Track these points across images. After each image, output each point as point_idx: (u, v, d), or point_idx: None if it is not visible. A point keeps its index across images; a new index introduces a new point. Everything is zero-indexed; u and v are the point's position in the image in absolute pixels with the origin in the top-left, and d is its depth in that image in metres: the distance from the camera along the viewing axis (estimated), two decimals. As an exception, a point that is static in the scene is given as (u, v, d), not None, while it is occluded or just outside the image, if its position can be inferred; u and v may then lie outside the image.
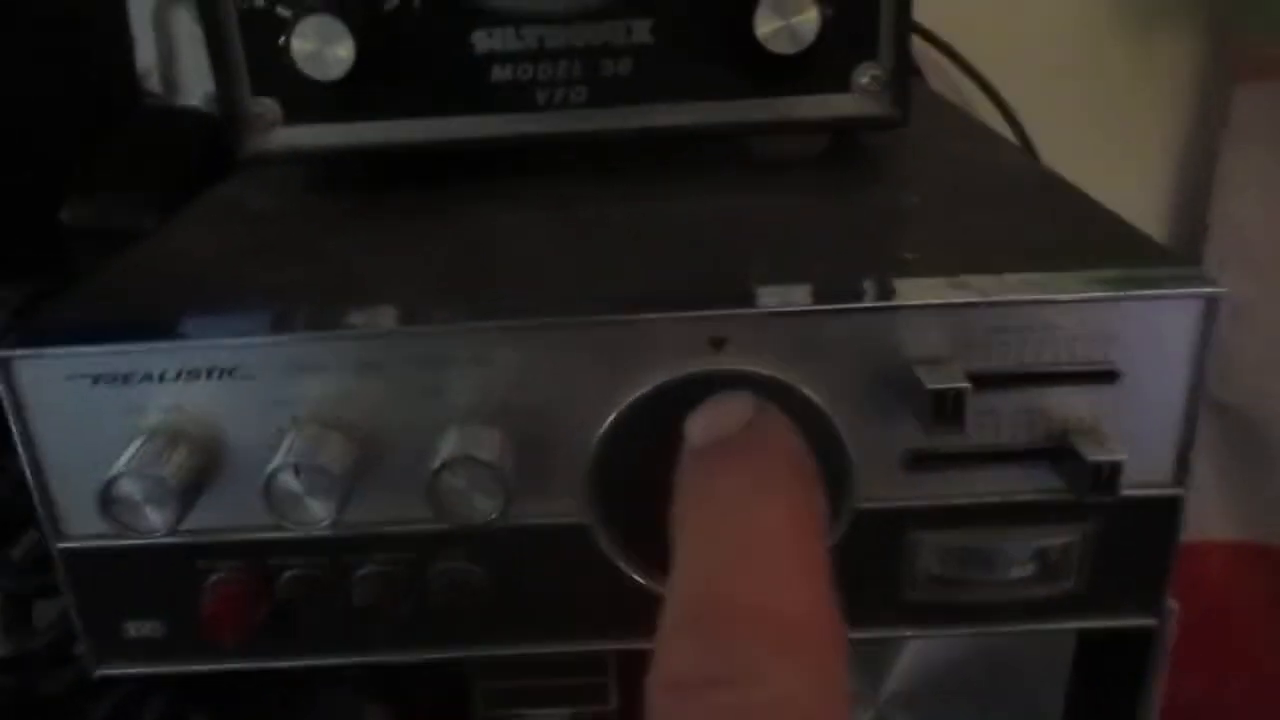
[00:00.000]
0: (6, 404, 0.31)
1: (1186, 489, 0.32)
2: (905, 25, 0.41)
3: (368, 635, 0.34)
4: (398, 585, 0.33)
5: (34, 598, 0.43)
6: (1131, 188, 0.80)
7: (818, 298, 0.31)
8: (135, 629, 0.34)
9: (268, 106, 0.42)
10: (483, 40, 0.41)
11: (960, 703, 0.42)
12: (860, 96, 0.42)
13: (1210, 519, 0.81)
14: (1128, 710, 0.37)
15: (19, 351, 0.31)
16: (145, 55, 0.80)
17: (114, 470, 0.30)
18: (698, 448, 0.25)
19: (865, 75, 0.42)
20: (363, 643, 0.35)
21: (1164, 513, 0.33)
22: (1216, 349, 0.31)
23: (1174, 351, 0.31)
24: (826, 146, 0.46)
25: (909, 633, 0.35)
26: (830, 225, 0.38)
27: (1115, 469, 0.30)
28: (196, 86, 0.79)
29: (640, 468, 0.31)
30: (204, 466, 0.31)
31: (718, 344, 0.31)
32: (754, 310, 0.30)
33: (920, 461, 0.32)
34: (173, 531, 0.30)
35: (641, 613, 0.33)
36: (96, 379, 0.31)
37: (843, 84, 0.42)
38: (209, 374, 0.31)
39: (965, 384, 0.29)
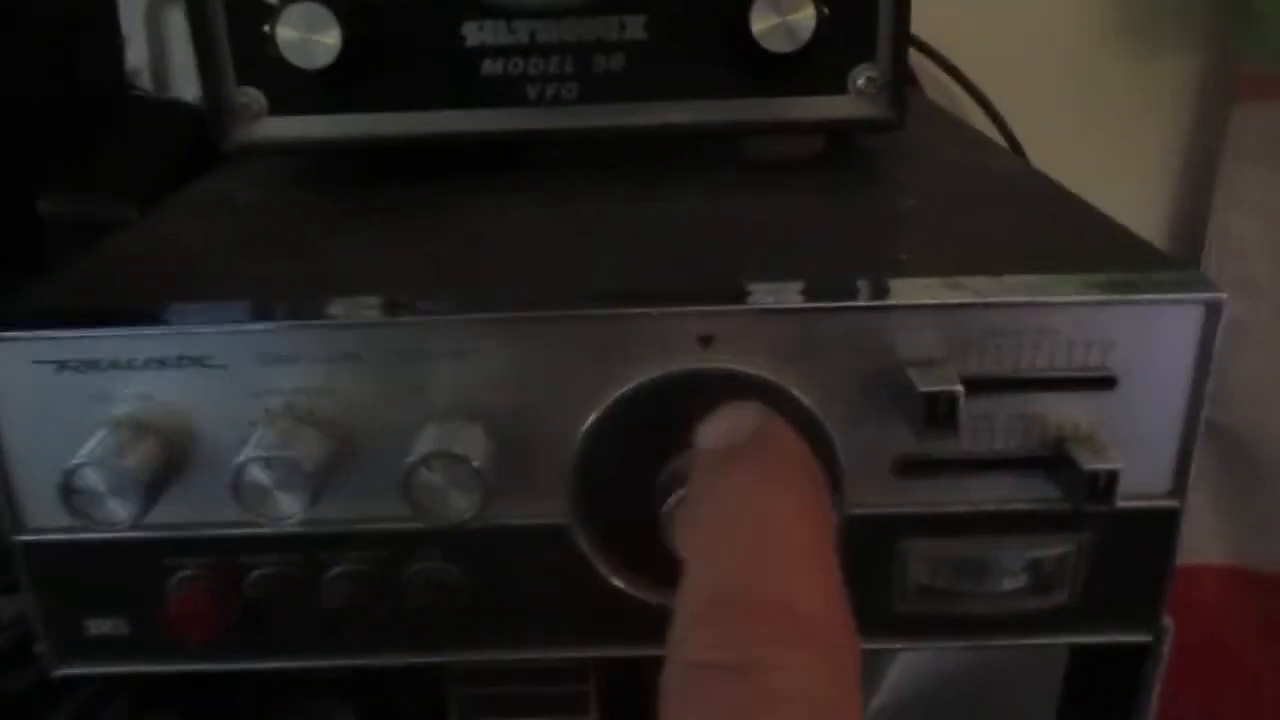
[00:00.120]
0: (-31, 389, 0.30)
1: (1185, 501, 0.31)
2: (904, 27, 0.40)
3: (340, 637, 0.33)
4: (372, 585, 0.32)
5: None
6: (1128, 204, 0.79)
7: (809, 296, 0.30)
8: (97, 627, 0.33)
9: (253, 96, 0.41)
10: (473, 33, 0.40)
11: (950, 716, 0.41)
12: (857, 98, 0.41)
13: (1203, 542, 0.81)
14: (1121, 728, 0.36)
15: (-18, 335, 0.30)
16: (137, 54, 0.80)
17: (77, 459, 0.29)
18: (707, 452, 0.25)
19: (862, 77, 0.41)
20: (335, 645, 0.33)
21: (1161, 525, 0.32)
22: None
23: (1174, 358, 0.30)
24: (821, 148, 0.45)
25: (898, 645, 0.34)
26: (823, 226, 0.38)
27: (1112, 479, 0.29)
28: (188, 85, 0.78)
29: (624, 468, 0.30)
30: (172, 458, 0.30)
31: (706, 341, 0.30)
32: (743, 307, 0.30)
33: (911, 467, 0.31)
34: (137, 525, 0.29)
35: (623, 619, 0.32)
36: (62, 365, 0.30)
37: (839, 85, 0.41)
38: (179, 362, 0.30)
39: (958, 387, 0.28)
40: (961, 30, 0.75)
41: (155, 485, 0.29)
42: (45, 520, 0.31)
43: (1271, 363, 0.73)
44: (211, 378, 0.30)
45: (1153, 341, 0.30)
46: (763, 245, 0.35)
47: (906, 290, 0.30)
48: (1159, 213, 0.82)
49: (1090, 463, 0.30)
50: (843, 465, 0.30)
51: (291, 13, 0.38)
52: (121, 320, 0.30)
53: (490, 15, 0.40)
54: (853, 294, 0.30)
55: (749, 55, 0.39)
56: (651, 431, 0.30)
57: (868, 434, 0.30)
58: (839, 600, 0.21)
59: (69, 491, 0.29)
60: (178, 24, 0.79)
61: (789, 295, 0.30)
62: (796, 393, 0.30)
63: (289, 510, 0.29)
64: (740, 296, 0.30)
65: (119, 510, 0.29)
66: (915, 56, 0.73)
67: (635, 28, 0.40)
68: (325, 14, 0.37)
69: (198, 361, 0.30)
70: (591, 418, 0.30)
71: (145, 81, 0.79)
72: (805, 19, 0.38)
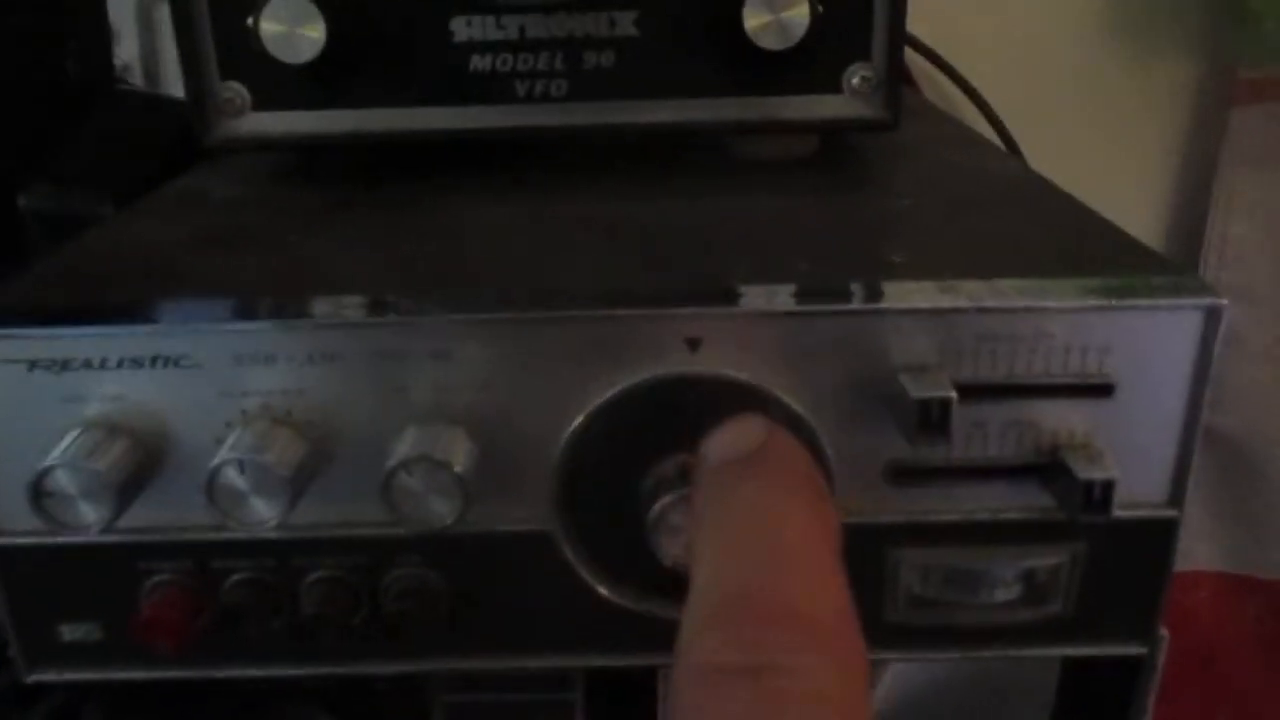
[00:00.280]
0: (-63, 389, 0.29)
1: (1183, 511, 0.31)
2: (899, 26, 0.40)
3: (319, 645, 0.32)
4: (350, 592, 0.31)
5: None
6: (1126, 207, 0.79)
7: (800, 299, 0.29)
8: (70, 632, 0.32)
9: (236, 91, 0.40)
10: (461, 28, 0.40)
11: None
12: (851, 98, 0.40)
13: (1198, 549, 0.80)
14: (1115, 741, 0.36)
15: (-49, 333, 0.29)
16: (129, 48, 0.79)
17: (47, 461, 0.28)
18: (715, 464, 0.25)
19: (857, 76, 0.40)
20: (313, 653, 0.33)
21: (1158, 535, 0.31)
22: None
23: (1172, 365, 0.29)
24: (815, 148, 0.44)
25: (889, 655, 0.33)
26: (816, 227, 0.37)
27: (1108, 488, 0.29)
28: (179, 81, 0.77)
29: (610, 473, 0.30)
30: (145, 461, 0.29)
31: (694, 344, 0.29)
32: (733, 310, 0.29)
33: (903, 474, 0.30)
34: (108, 529, 0.28)
35: (608, 627, 0.32)
36: (33, 364, 0.29)
37: (833, 84, 0.40)
38: (153, 362, 0.29)
39: (952, 394, 0.28)
40: (959, 32, 0.74)
41: (128, 488, 0.29)
42: (16, 523, 0.31)
43: (1268, 367, 0.73)
44: (186, 378, 0.29)
45: (1151, 348, 0.29)
46: (753, 246, 0.34)
47: (899, 293, 0.29)
48: (1156, 216, 0.81)
49: (1086, 471, 0.29)
50: (833, 472, 0.30)
51: (275, 6, 0.37)
52: (94, 319, 0.29)
53: (479, 10, 0.40)
54: (845, 297, 0.29)
55: (741, 53, 0.38)
56: (638, 436, 0.29)
57: (859, 440, 0.30)
58: (847, 606, 0.21)
59: (39, 494, 0.28)
60: (169, 18, 0.79)
61: (780, 298, 0.29)
62: (786, 398, 0.29)
63: (265, 515, 0.28)
64: (730, 298, 0.29)
65: (90, 514, 0.28)
66: (912, 56, 0.73)
67: (626, 24, 0.40)
68: (309, 7, 0.37)
69: (172, 361, 0.29)
70: (577, 421, 0.29)
71: (136, 77, 0.78)
72: (799, 16, 0.38)
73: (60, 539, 0.30)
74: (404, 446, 0.28)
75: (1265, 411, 0.74)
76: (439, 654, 0.33)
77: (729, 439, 0.25)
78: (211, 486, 0.28)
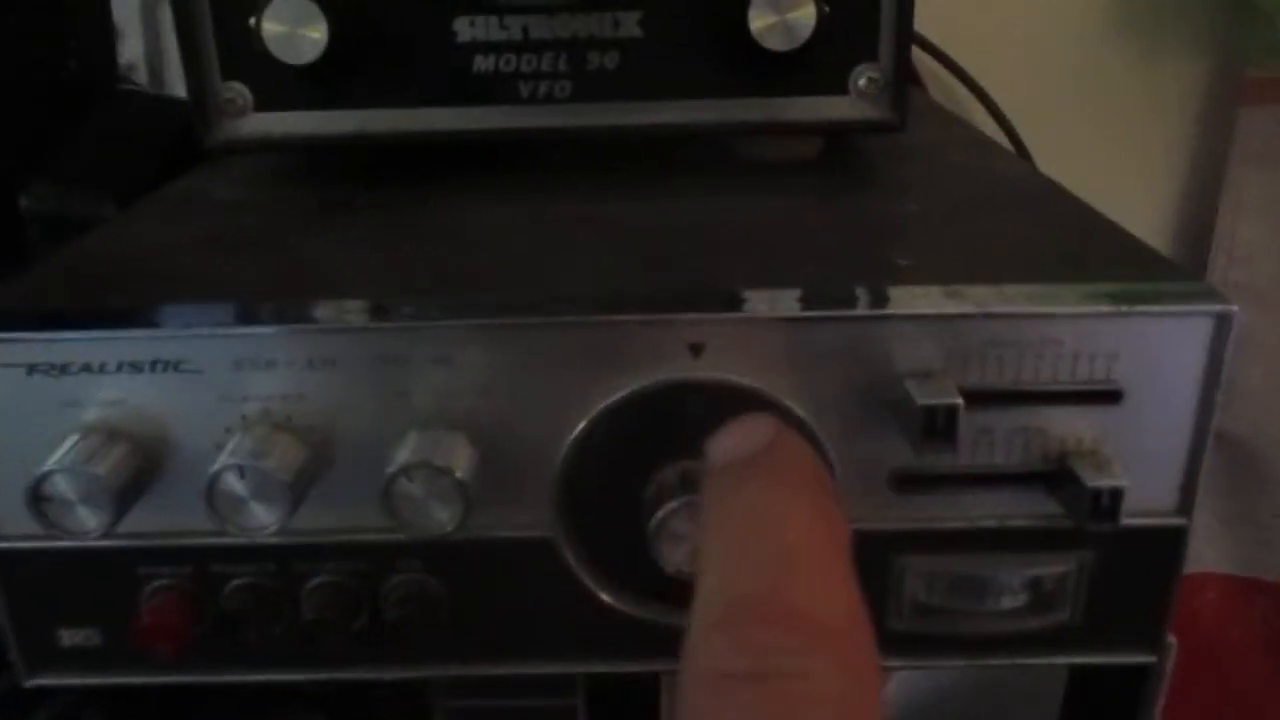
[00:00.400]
0: (-64, 392, 0.29)
1: (1191, 519, 0.30)
2: (906, 27, 0.39)
3: (319, 650, 0.32)
4: (351, 597, 0.31)
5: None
6: (1133, 208, 0.78)
7: (805, 304, 0.29)
8: (70, 637, 0.32)
9: (238, 91, 0.40)
10: (465, 28, 0.39)
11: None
12: (857, 99, 0.40)
13: (1206, 550, 0.80)
14: (1121, 749, 0.35)
15: (-50, 337, 0.29)
16: (133, 48, 0.79)
17: (46, 466, 0.28)
18: (722, 464, 0.24)
19: (863, 77, 0.40)
20: (314, 658, 0.32)
21: (1167, 543, 0.31)
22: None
23: (1182, 372, 0.29)
24: (820, 149, 0.44)
25: (893, 664, 0.33)
26: (821, 230, 0.37)
27: (1116, 496, 0.28)
28: (184, 80, 0.77)
29: (612, 479, 0.29)
30: (144, 466, 0.29)
31: (696, 350, 0.29)
32: (736, 315, 0.29)
33: (908, 482, 0.30)
34: (107, 534, 0.28)
35: (611, 633, 0.31)
36: (32, 368, 0.29)
37: (840, 85, 0.40)
38: (152, 367, 0.29)
39: (958, 400, 0.27)
40: (965, 31, 0.74)
41: (127, 494, 0.28)
42: (16, 527, 0.30)
43: (1277, 369, 0.73)
44: (186, 383, 0.29)
45: (1160, 354, 0.29)
46: (757, 250, 0.34)
47: (905, 299, 0.29)
48: (1164, 216, 0.81)
49: (1094, 479, 0.29)
50: (838, 479, 0.29)
51: (277, 6, 0.37)
52: (94, 322, 0.29)
53: (482, 11, 0.39)
54: (850, 302, 0.29)
55: (747, 54, 0.38)
56: (640, 442, 0.29)
57: (864, 447, 0.29)
58: (858, 609, 0.21)
59: (38, 499, 0.28)
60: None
61: (783, 303, 0.29)
62: (790, 404, 0.29)
63: (265, 521, 0.28)
64: (733, 304, 0.29)
65: (89, 519, 0.28)
66: (918, 55, 0.73)
67: (630, 24, 0.39)
68: (311, 8, 0.37)
69: (172, 366, 0.29)
70: (578, 427, 0.29)
71: (141, 76, 0.78)
72: (805, 17, 0.37)
73: (60, 543, 0.30)
74: (404, 452, 0.28)
75: (1274, 413, 0.74)
76: (440, 660, 0.32)
77: (734, 439, 0.24)
78: (211, 492, 0.28)
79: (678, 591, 0.23)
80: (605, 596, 0.31)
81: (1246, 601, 0.81)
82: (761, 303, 0.29)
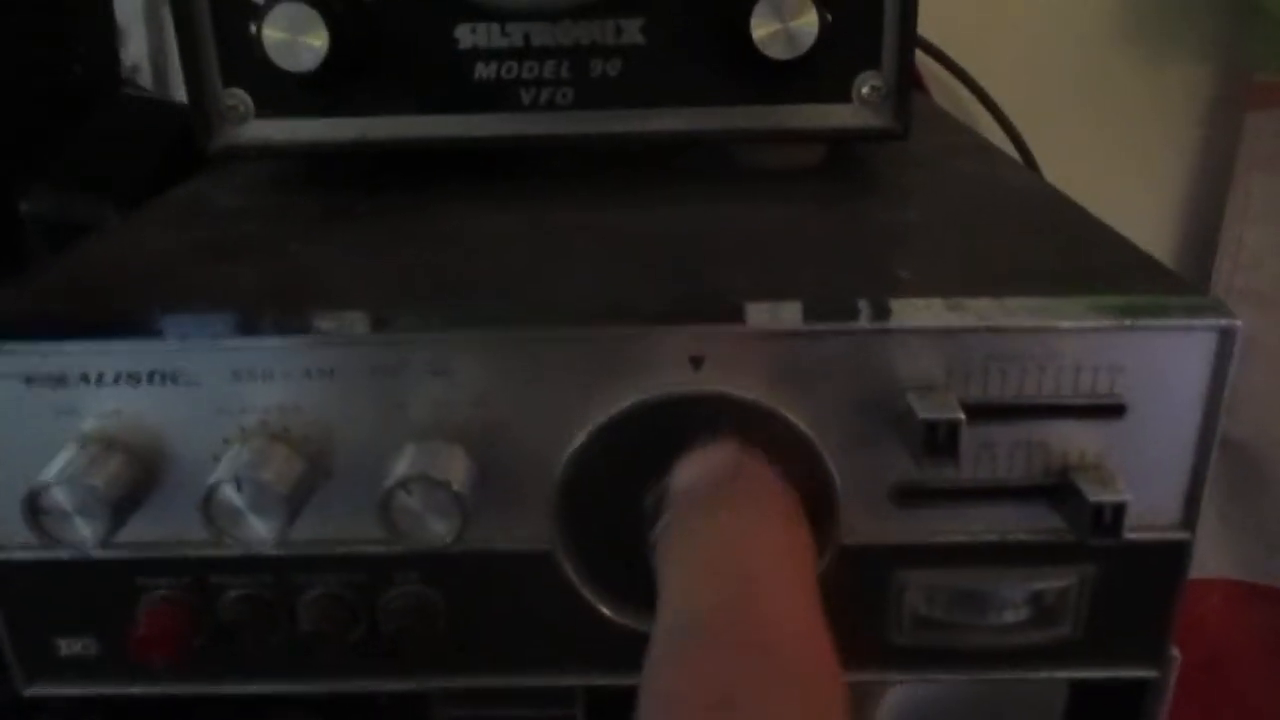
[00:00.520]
0: (-67, 402, 0.29)
1: (1195, 533, 0.30)
2: (909, 34, 0.39)
3: (317, 661, 0.32)
4: (348, 609, 0.31)
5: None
6: (1138, 213, 0.78)
7: (806, 316, 0.29)
8: (68, 647, 0.32)
9: (239, 98, 0.40)
10: (466, 35, 0.39)
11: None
12: (860, 107, 0.40)
13: (1210, 555, 0.79)
14: (1123, 762, 0.35)
15: (-54, 347, 0.28)
16: (137, 48, 0.79)
17: (43, 477, 0.28)
18: (684, 492, 0.24)
19: (866, 85, 0.40)
20: (311, 669, 0.32)
21: (1170, 558, 0.31)
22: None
23: (1185, 386, 0.29)
24: (823, 157, 0.44)
25: (893, 677, 0.33)
26: (823, 240, 0.37)
27: (1119, 510, 0.28)
28: (186, 83, 0.77)
29: (611, 492, 0.29)
30: (142, 477, 0.29)
31: (697, 363, 0.28)
32: (737, 328, 0.28)
33: (910, 495, 0.30)
34: (104, 545, 0.28)
35: (610, 646, 0.31)
36: (29, 379, 0.29)
37: (842, 94, 0.40)
38: (150, 378, 0.29)
39: (960, 415, 0.27)
40: (970, 34, 0.73)
41: (124, 505, 0.28)
42: (13, 537, 0.30)
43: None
44: (184, 394, 0.29)
45: (1164, 368, 0.28)
46: (758, 260, 0.34)
47: (907, 311, 0.29)
48: (1169, 222, 0.81)
49: (1097, 494, 0.28)
50: (838, 492, 0.29)
51: (277, 13, 0.36)
52: (91, 333, 0.29)
53: (484, 18, 0.39)
54: (851, 315, 0.29)
55: (749, 62, 0.38)
56: (639, 455, 0.29)
57: (865, 460, 0.29)
58: (820, 638, 0.21)
59: (35, 510, 0.28)
60: (176, 18, 0.78)
61: (785, 315, 0.29)
62: (791, 417, 0.29)
63: (262, 533, 0.28)
64: (734, 316, 0.29)
65: (85, 531, 0.28)
66: (922, 58, 0.72)
67: (632, 31, 0.39)
68: (312, 15, 0.36)
69: (170, 377, 0.29)
70: (577, 440, 0.29)
71: (145, 77, 0.78)
72: (808, 25, 0.37)
73: (57, 553, 0.30)
74: (402, 465, 0.28)
75: (1278, 418, 0.73)
76: (438, 672, 0.32)
77: (699, 468, 0.24)
78: (208, 504, 0.28)
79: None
80: (604, 609, 0.31)
81: (1251, 607, 0.81)
82: (762, 315, 0.29)
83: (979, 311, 0.28)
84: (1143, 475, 0.29)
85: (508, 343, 0.29)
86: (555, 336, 0.28)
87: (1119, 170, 0.77)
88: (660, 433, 0.29)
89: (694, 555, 0.22)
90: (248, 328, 0.29)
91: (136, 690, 0.33)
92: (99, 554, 0.29)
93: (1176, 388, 0.29)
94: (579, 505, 0.30)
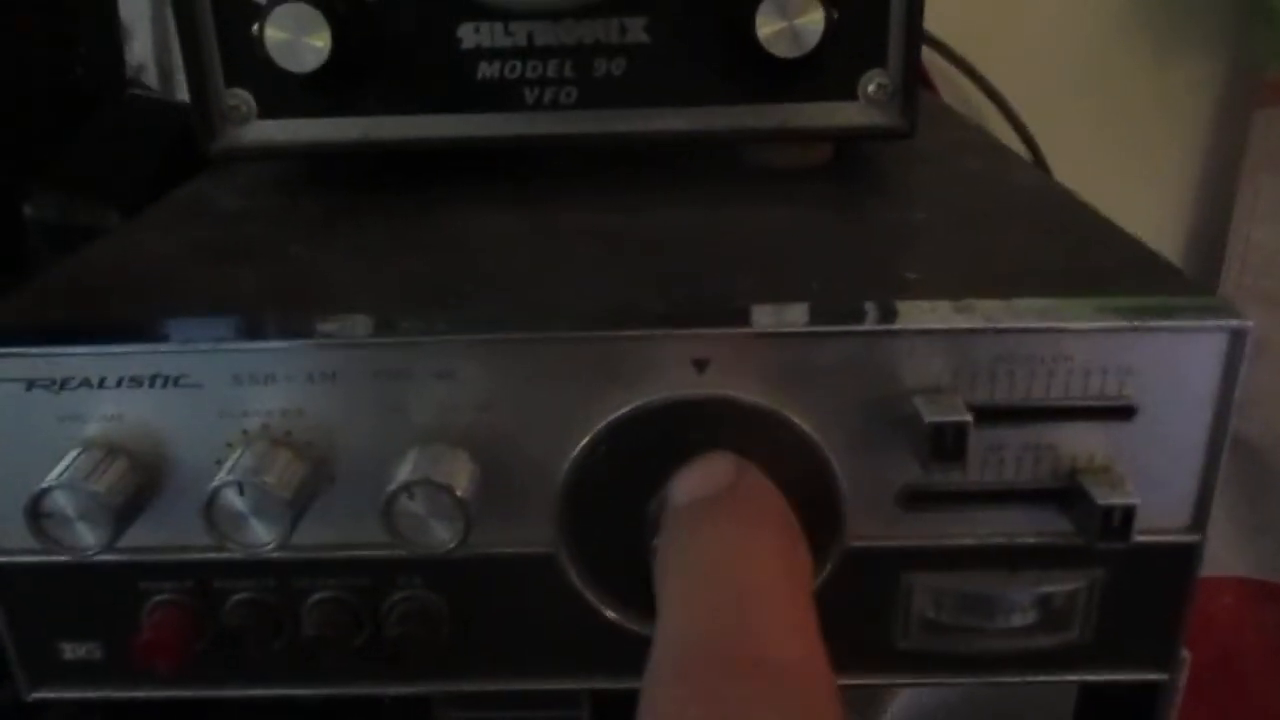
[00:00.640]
0: (-65, 407, 0.29)
1: (1205, 535, 0.30)
2: (916, 32, 0.39)
3: (319, 666, 0.32)
4: (351, 614, 0.31)
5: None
6: (1145, 212, 0.78)
7: (812, 319, 0.29)
8: (71, 651, 0.32)
9: (242, 99, 0.40)
10: (469, 35, 0.39)
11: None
12: (866, 105, 0.40)
13: (1221, 554, 0.79)
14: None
15: (-52, 351, 0.28)
16: (142, 49, 0.79)
17: (45, 482, 0.27)
18: (683, 505, 0.24)
19: (872, 83, 0.39)
20: (315, 674, 0.32)
21: (1180, 561, 0.30)
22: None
23: (1195, 388, 0.28)
24: (829, 156, 0.43)
25: (900, 681, 0.32)
26: (829, 241, 0.36)
27: (1129, 513, 0.28)
28: (190, 84, 0.76)
29: (615, 496, 0.29)
30: (144, 482, 0.29)
31: (701, 365, 0.28)
32: (740, 330, 0.28)
33: (917, 499, 0.29)
34: (107, 550, 0.28)
35: (614, 650, 0.31)
36: (31, 384, 0.29)
37: (848, 92, 0.39)
38: (152, 382, 0.28)
39: (967, 418, 0.27)
40: (977, 31, 0.73)
41: (126, 510, 0.28)
42: (16, 541, 0.30)
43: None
44: (186, 398, 0.29)
45: (1174, 370, 0.28)
46: (764, 261, 0.34)
47: (914, 313, 0.28)
48: (1177, 220, 0.80)
49: (1106, 497, 0.28)
50: (844, 496, 0.29)
51: (279, 13, 0.36)
52: (93, 337, 0.29)
53: (487, 17, 0.39)
54: (857, 317, 0.29)
55: (754, 60, 0.37)
56: (643, 458, 0.28)
57: (871, 464, 0.29)
58: (818, 661, 0.21)
59: (37, 515, 0.28)
60: (181, 18, 0.78)
61: (790, 317, 0.29)
62: (796, 420, 0.28)
63: (265, 538, 0.28)
64: (738, 318, 0.29)
65: (88, 536, 0.28)
66: (930, 56, 0.72)
67: (636, 30, 0.39)
68: (314, 15, 0.36)
69: (172, 381, 0.29)
70: (581, 443, 0.29)
71: (151, 77, 0.78)
72: (813, 23, 0.37)
73: (60, 558, 0.30)
74: (405, 469, 0.28)
75: (1288, 418, 0.73)
76: (441, 676, 0.32)
77: (697, 479, 0.24)
78: (211, 508, 0.27)
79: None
80: (608, 613, 0.31)
81: (1262, 605, 0.81)
82: (767, 317, 0.29)
83: (986, 313, 0.28)
84: (1152, 478, 0.29)
85: (511, 346, 0.28)
86: (559, 340, 0.28)
87: (1126, 168, 0.77)
88: (664, 437, 0.28)
89: (691, 572, 0.22)
90: (250, 331, 0.29)
91: (140, 695, 0.33)
92: (102, 558, 0.29)
93: (1186, 390, 0.28)
94: (582, 509, 0.29)
